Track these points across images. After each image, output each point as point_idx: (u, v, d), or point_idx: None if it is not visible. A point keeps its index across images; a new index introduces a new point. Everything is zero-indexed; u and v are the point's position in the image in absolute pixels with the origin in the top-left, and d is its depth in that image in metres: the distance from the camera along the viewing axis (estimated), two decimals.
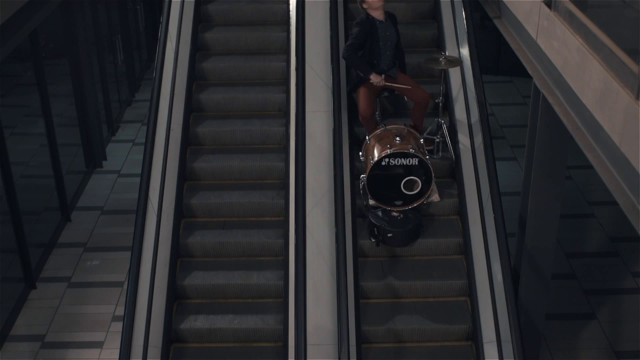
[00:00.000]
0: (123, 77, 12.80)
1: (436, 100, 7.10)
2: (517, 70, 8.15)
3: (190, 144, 7.54)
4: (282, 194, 7.10)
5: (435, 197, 6.90)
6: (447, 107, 7.47)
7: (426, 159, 6.47)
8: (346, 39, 7.89)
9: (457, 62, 7.04)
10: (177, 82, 7.54)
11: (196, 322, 6.40)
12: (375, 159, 6.45)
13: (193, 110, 7.78)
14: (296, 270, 6.11)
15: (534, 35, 5.98)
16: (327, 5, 7.78)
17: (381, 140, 6.61)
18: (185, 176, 7.28)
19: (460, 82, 7.39)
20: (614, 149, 4.46)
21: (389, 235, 6.58)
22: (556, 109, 5.63)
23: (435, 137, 7.11)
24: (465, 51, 7.46)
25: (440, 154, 7.17)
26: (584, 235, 9.61)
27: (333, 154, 6.77)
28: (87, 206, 10.13)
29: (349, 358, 5.63)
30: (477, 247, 6.49)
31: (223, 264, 6.77)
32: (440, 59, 6.87)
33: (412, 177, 6.47)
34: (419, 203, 6.63)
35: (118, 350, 5.77)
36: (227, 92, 7.85)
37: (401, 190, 6.52)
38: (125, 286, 8.13)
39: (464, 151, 7.02)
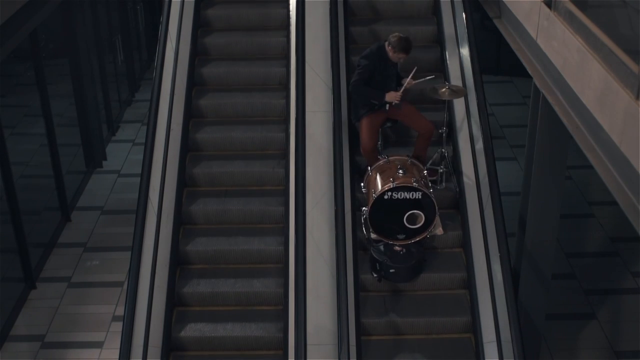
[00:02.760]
0: (123, 77, 12.80)
1: (439, 131, 6.95)
2: (517, 70, 8.12)
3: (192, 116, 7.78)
4: (283, 163, 7.20)
5: (439, 231, 6.71)
6: (451, 136, 7.28)
7: (430, 192, 6.24)
8: (346, 40, 7.90)
9: (461, 92, 6.86)
10: (180, 57, 7.64)
11: (199, 286, 6.59)
12: (378, 192, 6.22)
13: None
14: (296, 271, 6.10)
15: (534, 35, 5.98)
16: (327, 6, 7.77)
17: (383, 173, 6.40)
18: (189, 147, 7.51)
19: (465, 111, 7.22)
20: (614, 148, 4.46)
21: (391, 271, 6.35)
22: (556, 109, 5.63)
23: (438, 168, 6.97)
24: (469, 80, 7.30)
25: (443, 184, 6.99)
26: (584, 235, 9.61)
27: (333, 154, 6.77)
28: (87, 206, 10.13)
29: (349, 358, 5.63)
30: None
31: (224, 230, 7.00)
32: (444, 89, 6.71)
33: (415, 211, 6.23)
34: (422, 237, 6.41)
35: (118, 350, 5.77)
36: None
37: (404, 224, 6.28)
38: (125, 286, 8.11)
39: (467, 183, 6.86)
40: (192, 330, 6.38)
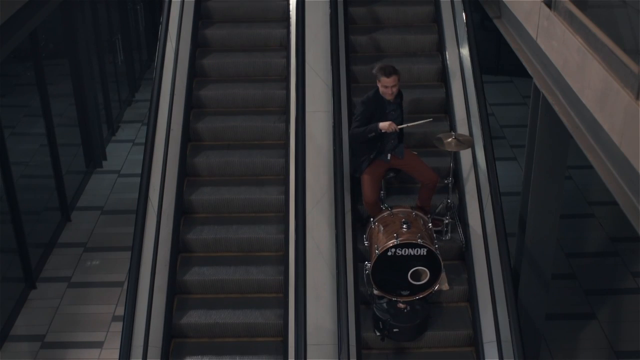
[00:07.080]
0: (123, 77, 12.80)
1: (445, 181, 6.68)
2: (517, 70, 8.12)
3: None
4: (284, 118, 7.42)
5: (444, 286, 6.45)
6: (457, 185, 7.08)
7: (435, 248, 5.96)
8: (346, 39, 7.90)
9: (469, 142, 6.51)
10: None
11: (202, 234, 6.92)
12: (381, 248, 5.92)
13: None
14: (296, 270, 6.11)
15: (534, 36, 5.98)
16: (327, 5, 7.77)
17: (387, 227, 6.09)
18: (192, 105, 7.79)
19: (471, 161, 7.01)
20: (614, 148, 4.46)
21: (394, 330, 6.08)
22: (556, 109, 5.63)
23: (444, 218, 6.70)
24: (476, 130, 7.08)
25: (449, 235, 6.75)
26: (584, 235, 9.61)
27: (333, 154, 6.76)
28: (87, 206, 10.13)
29: (349, 358, 5.63)
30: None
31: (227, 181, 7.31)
32: (450, 140, 6.38)
33: (420, 267, 5.96)
34: (427, 293, 6.13)
35: (118, 350, 5.78)
36: None
37: (408, 280, 6.00)
38: (125, 286, 8.11)
39: (474, 235, 6.66)
40: (195, 274, 6.67)
